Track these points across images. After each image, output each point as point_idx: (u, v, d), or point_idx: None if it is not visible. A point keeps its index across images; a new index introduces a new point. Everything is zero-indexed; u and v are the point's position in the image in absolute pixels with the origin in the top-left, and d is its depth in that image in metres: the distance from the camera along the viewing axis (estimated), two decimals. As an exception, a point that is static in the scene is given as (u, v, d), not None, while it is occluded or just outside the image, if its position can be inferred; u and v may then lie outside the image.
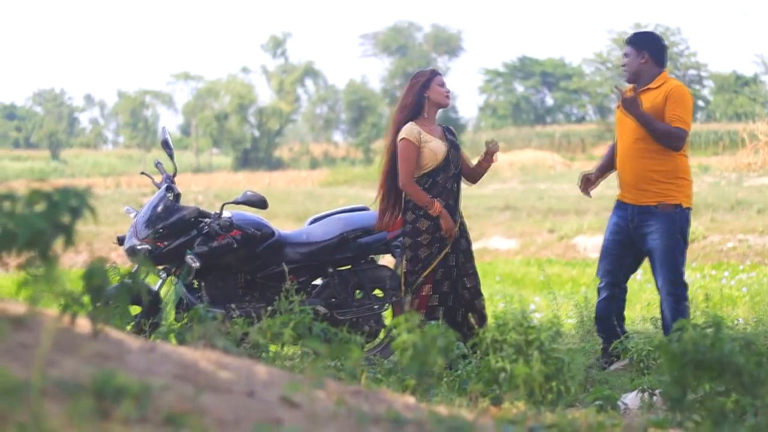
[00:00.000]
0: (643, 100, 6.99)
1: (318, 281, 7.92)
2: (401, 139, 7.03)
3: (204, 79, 79.02)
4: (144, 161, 73.40)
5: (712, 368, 2.91)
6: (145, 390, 2.23)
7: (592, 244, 25.15)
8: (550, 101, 78.85)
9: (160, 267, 7.58)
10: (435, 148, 7.06)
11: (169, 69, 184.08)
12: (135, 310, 7.44)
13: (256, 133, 73.96)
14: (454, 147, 7.18)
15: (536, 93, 78.50)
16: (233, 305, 7.49)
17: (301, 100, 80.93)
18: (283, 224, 30.96)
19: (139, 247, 7.39)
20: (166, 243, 7.43)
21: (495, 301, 19.17)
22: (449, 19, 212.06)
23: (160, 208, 7.54)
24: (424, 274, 7.03)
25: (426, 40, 68.55)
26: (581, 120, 74.31)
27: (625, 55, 7.20)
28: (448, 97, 7.20)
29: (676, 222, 7.08)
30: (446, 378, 4.75)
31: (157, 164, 7.98)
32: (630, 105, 6.88)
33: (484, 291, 20.94)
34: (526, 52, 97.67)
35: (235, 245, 7.47)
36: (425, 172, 7.08)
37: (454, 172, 7.17)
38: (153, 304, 7.40)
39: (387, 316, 8.08)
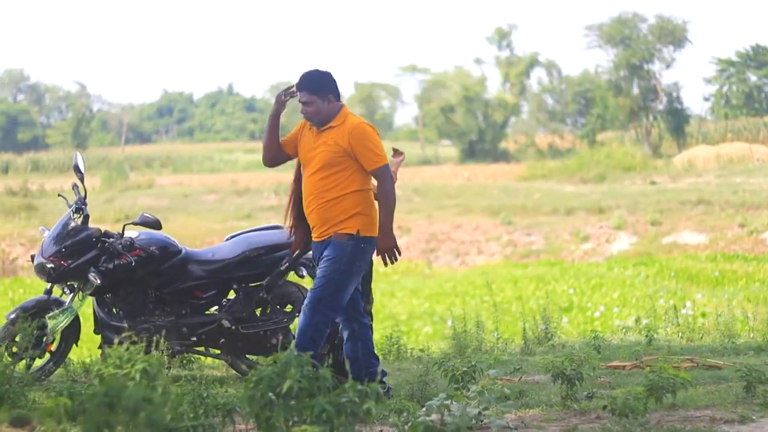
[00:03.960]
0: (325, 139, 7.17)
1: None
2: None
3: (430, 72, 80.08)
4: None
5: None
6: None
7: (782, 239, 24.87)
8: (784, 91, 76.06)
9: (67, 283, 8.18)
10: None
11: (396, 61, 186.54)
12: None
13: (483, 125, 74.48)
14: None
15: (770, 82, 75.88)
16: (142, 318, 8.12)
17: (529, 92, 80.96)
18: (478, 218, 31.61)
19: (47, 266, 8.00)
20: (70, 261, 8.00)
21: (657, 297, 19.37)
22: (674, 9, 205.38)
23: (66, 229, 8.11)
24: None
25: (651, 31, 66.88)
26: (815, 110, 71.39)
27: (306, 103, 7.14)
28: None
29: (346, 251, 7.08)
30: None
31: (73, 186, 8.45)
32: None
33: (645, 289, 21.06)
34: (759, 40, 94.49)
35: (133, 264, 8.03)
36: None
37: None
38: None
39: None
